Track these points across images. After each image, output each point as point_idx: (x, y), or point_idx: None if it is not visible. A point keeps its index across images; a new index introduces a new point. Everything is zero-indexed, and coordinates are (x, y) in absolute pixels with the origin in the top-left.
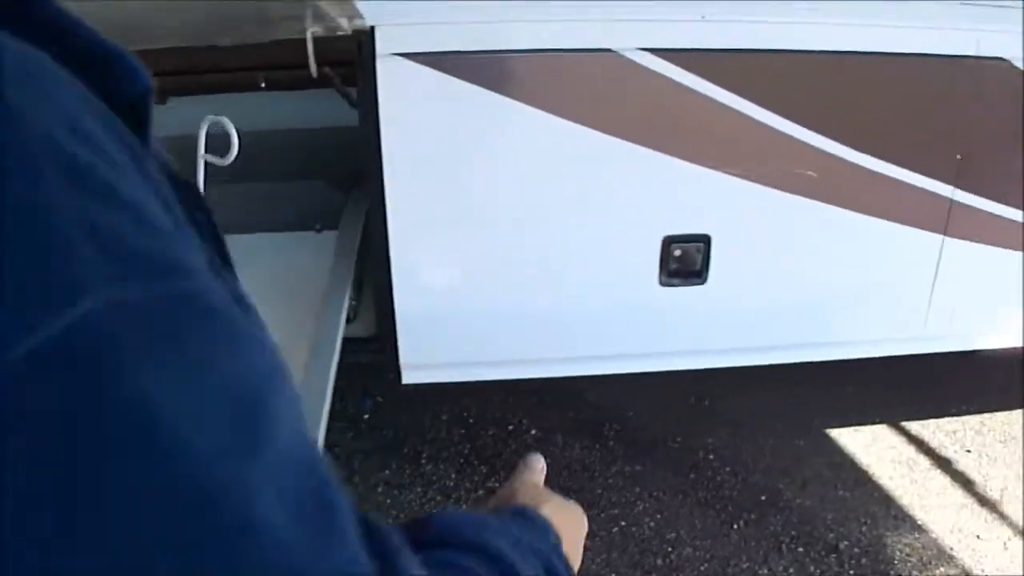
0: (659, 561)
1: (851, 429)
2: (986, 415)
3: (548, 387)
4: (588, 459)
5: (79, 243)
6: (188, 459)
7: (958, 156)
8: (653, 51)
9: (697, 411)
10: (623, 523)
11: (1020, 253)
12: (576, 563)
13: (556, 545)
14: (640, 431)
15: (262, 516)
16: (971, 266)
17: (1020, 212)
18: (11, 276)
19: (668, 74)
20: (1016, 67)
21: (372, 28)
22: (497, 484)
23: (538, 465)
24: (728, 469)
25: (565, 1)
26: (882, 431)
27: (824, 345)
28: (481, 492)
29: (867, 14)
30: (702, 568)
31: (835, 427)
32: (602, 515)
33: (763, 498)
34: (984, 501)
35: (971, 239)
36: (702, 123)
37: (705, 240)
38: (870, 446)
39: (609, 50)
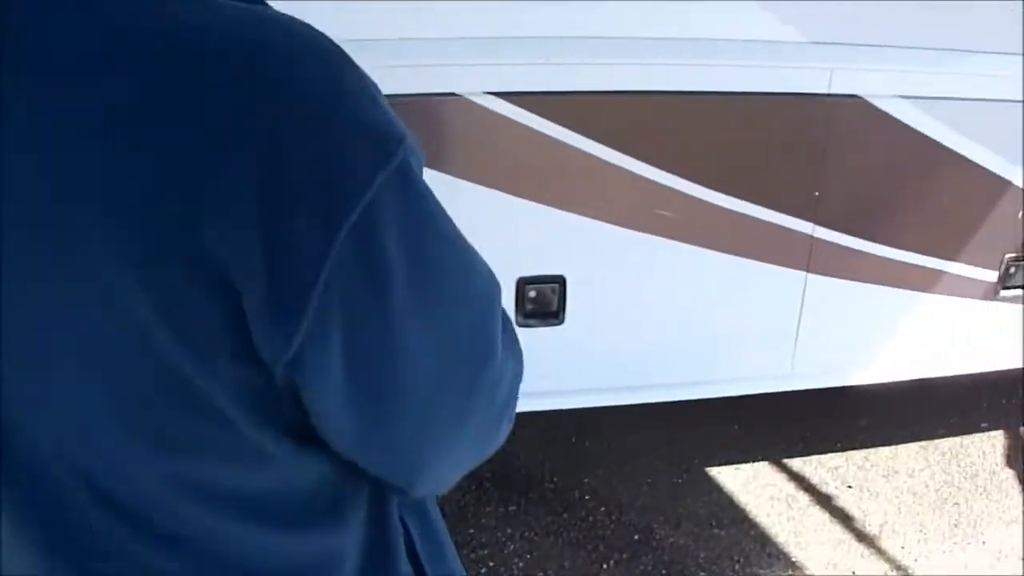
0: None
1: (732, 467)
2: (870, 450)
3: None
4: (463, 500)
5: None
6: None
7: (816, 193)
8: (499, 94)
9: (578, 451)
10: (492, 563)
11: (882, 287)
12: None
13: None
14: (518, 471)
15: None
16: (835, 302)
17: (880, 247)
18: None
19: (515, 117)
20: (870, 104)
21: None
22: None
23: None
24: (603, 509)
25: (410, 45)
26: (763, 469)
27: (692, 384)
28: None
29: (717, 54)
30: None
31: (716, 465)
32: (471, 555)
33: (636, 537)
34: (862, 536)
35: (834, 275)
36: (552, 165)
37: (560, 281)
38: (749, 484)
39: (455, 94)
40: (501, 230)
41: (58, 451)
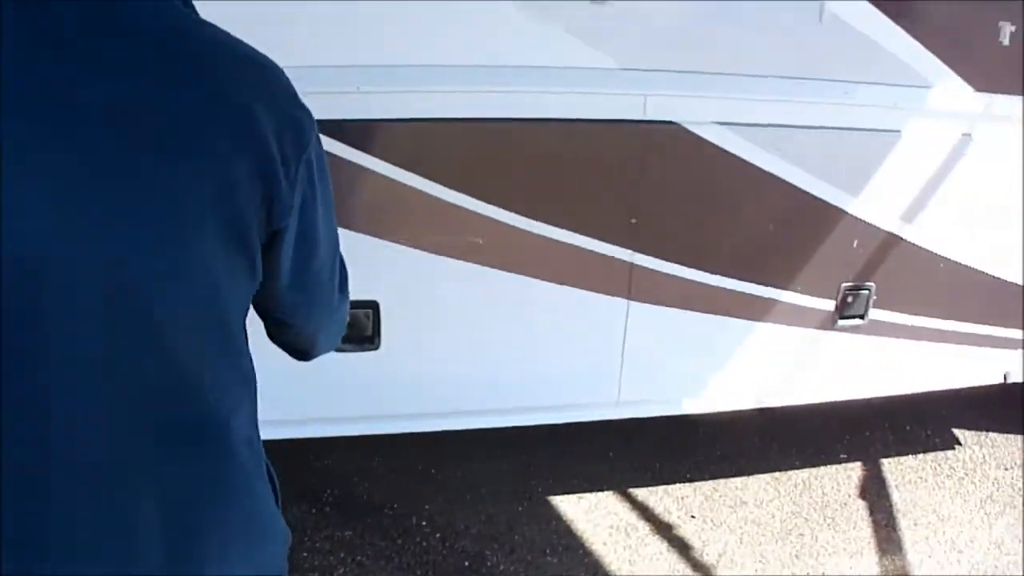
0: None
1: (576, 496)
2: (721, 480)
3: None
4: (302, 523)
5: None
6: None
7: (633, 220)
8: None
9: (423, 477)
10: None
11: (711, 316)
12: None
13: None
14: (359, 497)
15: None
16: (660, 330)
17: (705, 274)
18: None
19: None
20: (687, 130)
21: None
22: None
23: None
24: (438, 535)
25: None
26: (607, 498)
27: (516, 411)
28: None
29: (530, 81)
30: None
31: (560, 494)
32: None
33: (467, 563)
34: (699, 566)
35: (657, 303)
36: (364, 193)
37: (373, 306)
38: (591, 512)
39: None
40: None
41: None
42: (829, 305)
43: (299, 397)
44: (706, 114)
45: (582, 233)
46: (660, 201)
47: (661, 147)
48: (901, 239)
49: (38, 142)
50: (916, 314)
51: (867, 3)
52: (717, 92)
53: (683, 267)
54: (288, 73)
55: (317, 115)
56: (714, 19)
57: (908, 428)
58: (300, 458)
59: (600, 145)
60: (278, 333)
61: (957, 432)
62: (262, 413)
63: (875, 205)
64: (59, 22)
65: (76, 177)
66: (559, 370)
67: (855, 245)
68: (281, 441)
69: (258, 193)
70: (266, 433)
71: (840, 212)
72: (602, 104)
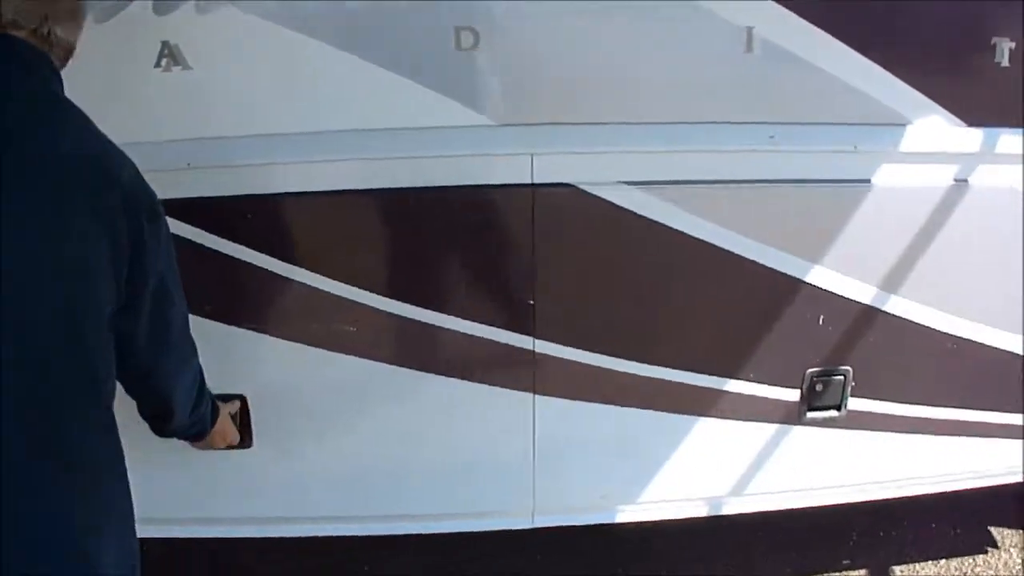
0: None
1: None
2: None
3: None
4: None
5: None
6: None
7: (531, 301)
8: None
9: None
10: None
11: (632, 410)
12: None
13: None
14: None
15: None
16: (574, 427)
17: (621, 361)
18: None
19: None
20: (586, 192)
21: None
22: None
23: None
24: None
25: None
26: None
27: (415, 517)
28: None
29: (396, 145)
30: None
31: None
32: None
33: None
34: None
35: (568, 396)
36: (218, 278)
37: (241, 400)
38: None
39: None
40: None
41: None
42: (792, 395)
43: (181, 496)
44: (608, 172)
45: (473, 319)
46: (561, 278)
47: (556, 213)
48: (881, 312)
49: None
50: (906, 402)
51: (808, 23)
52: (620, 145)
53: (597, 355)
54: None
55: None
56: (611, 58)
57: (933, 526)
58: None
59: (485, 215)
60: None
61: (993, 531)
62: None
63: (844, 272)
64: None
65: None
66: (467, 472)
67: (821, 322)
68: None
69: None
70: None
71: (797, 283)
72: (482, 167)
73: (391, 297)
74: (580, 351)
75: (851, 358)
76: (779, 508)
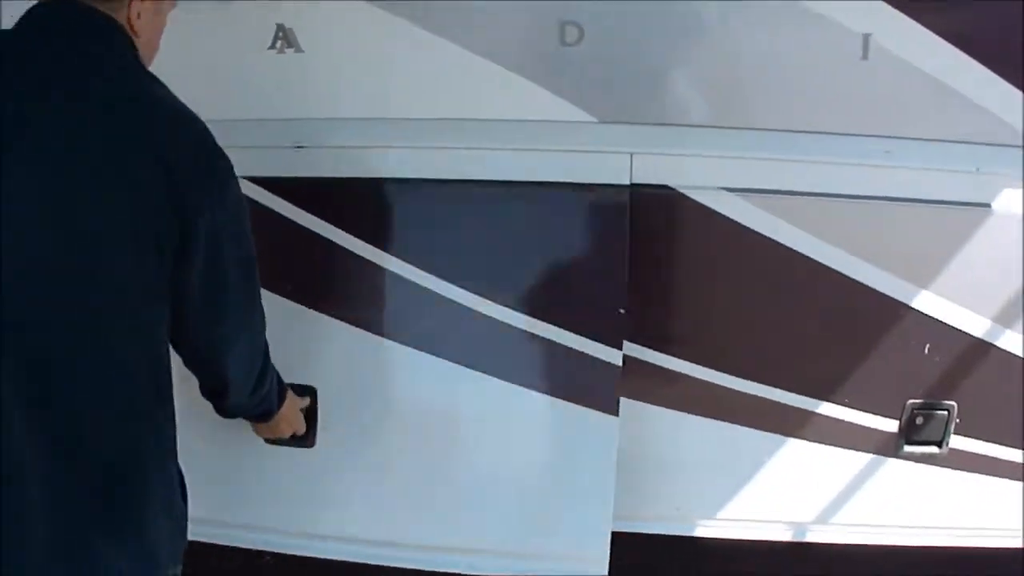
0: None
1: None
2: None
3: None
4: None
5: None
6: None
7: (622, 304)
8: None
9: None
10: None
11: (718, 422)
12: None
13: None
14: None
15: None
16: (654, 432)
17: (701, 369)
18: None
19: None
20: (685, 196)
21: None
22: None
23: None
24: None
25: None
26: None
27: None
28: None
29: (491, 137)
30: None
31: None
32: None
33: None
34: None
35: (650, 401)
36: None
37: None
38: None
39: None
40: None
41: None
42: (890, 426)
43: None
44: (709, 178)
45: (559, 326)
46: (654, 282)
47: (653, 216)
48: (993, 347)
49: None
50: (1015, 446)
51: (932, 33)
52: (724, 151)
53: (686, 363)
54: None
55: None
56: (719, 59)
57: None
58: None
59: (581, 212)
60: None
61: None
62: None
63: (955, 301)
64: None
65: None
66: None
67: (926, 351)
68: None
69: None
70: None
71: (903, 308)
72: (580, 164)
73: (478, 294)
74: (669, 358)
75: (957, 393)
76: (865, 543)
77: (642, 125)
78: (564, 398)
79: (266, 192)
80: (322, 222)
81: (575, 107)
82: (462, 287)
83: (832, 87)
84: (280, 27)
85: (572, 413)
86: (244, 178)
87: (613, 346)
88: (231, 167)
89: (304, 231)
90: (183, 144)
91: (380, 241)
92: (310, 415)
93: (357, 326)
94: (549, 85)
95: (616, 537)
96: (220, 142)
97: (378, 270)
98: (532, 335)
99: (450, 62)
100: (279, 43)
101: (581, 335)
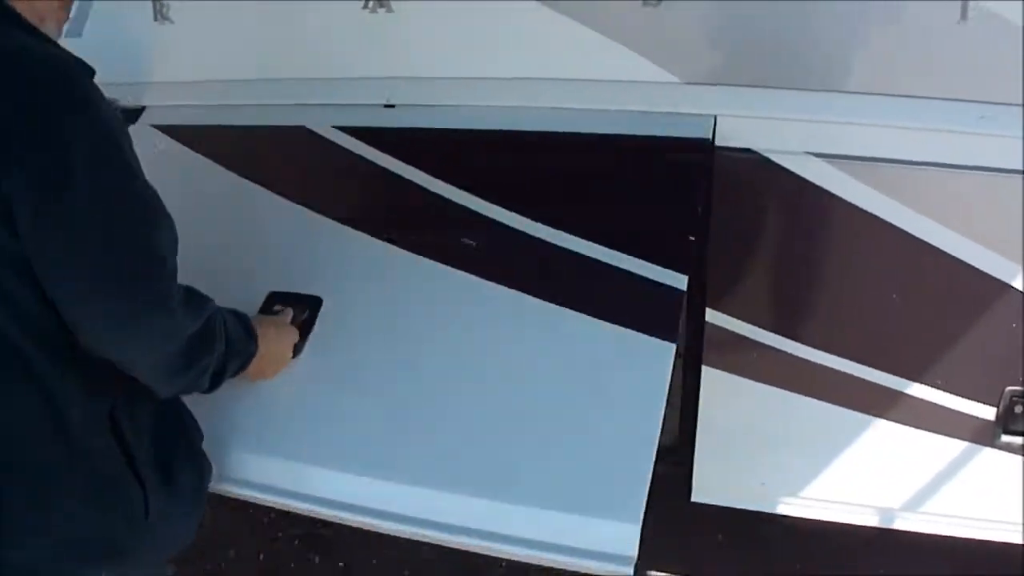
0: None
1: None
2: None
3: None
4: None
5: None
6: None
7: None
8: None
9: None
10: None
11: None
12: (269, 368)
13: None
14: None
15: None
16: (735, 403)
17: (782, 340)
18: None
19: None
20: (769, 160)
21: None
22: None
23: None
24: None
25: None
26: None
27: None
28: None
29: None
30: None
31: None
32: None
33: None
34: None
35: (731, 371)
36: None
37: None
38: None
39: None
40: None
41: None
42: (986, 412)
43: None
44: (794, 142)
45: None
46: (734, 247)
47: (735, 179)
48: None
49: None
50: None
51: None
52: (810, 114)
53: (767, 333)
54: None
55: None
56: (805, 20)
57: None
58: None
59: (662, 171)
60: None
61: None
62: None
63: None
64: None
65: None
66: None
67: None
68: None
69: None
70: None
71: (1002, 287)
72: (664, 124)
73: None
74: (749, 326)
75: None
76: (956, 534)
77: (727, 86)
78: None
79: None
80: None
81: (659, 68)
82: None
83: (926, 49)
84: None
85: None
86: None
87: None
88: None
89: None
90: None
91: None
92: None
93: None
94: (633, 45)
95: (697, 508)
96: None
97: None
98: (606, 264)
99: (539, 23)
100: (371, 3)
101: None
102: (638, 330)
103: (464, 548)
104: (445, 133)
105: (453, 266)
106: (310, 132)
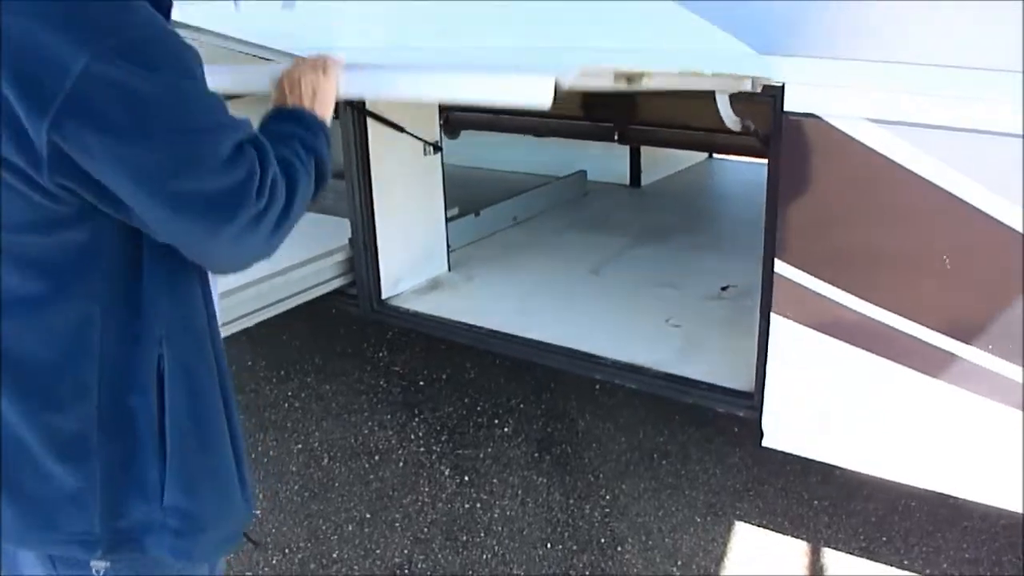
0: None
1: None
2: None
3: None
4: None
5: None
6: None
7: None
8: None
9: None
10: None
11: (856, 348)
12: (324, 105)
13: (319, 131)
14: None
15: None
16: (804, 354)
17: (848, 296)
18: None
19: None
20: (831, 125)
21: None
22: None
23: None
24: None
25: None
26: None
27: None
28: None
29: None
30: None
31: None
32: None
33: None
34: None
35: (800, 321)
36: None
37: None
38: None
39: None
40: None
41: None
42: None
43: None
44: (855, 108)
45: None
46: (803, 206)
47: (801, 142)
48: None
49: None
50: None
51: None
52: (869, 81)
53: (833, 288)
54: None
55: None
56: None
57: None
58: None
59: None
60: None
61: None
62: None
63: None
64: None
65: None
66: None
67: None
68: None
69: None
70: None
71: None
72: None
73: None
74: (813, 279)
75: None
76: (999, 505)
77: (796, 57)
78: None
79: None
80: None
81: (738, 40)
82: None
83: (978, 21)
84: None
85: None
86: None
87: None
88: None
89: None
90: None
91: None
92: None
93: None
94: (718, 22)
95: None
96: None
97: None
98: None
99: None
100: None
101: None
102: None
103: None
104: None
105: None
106: None
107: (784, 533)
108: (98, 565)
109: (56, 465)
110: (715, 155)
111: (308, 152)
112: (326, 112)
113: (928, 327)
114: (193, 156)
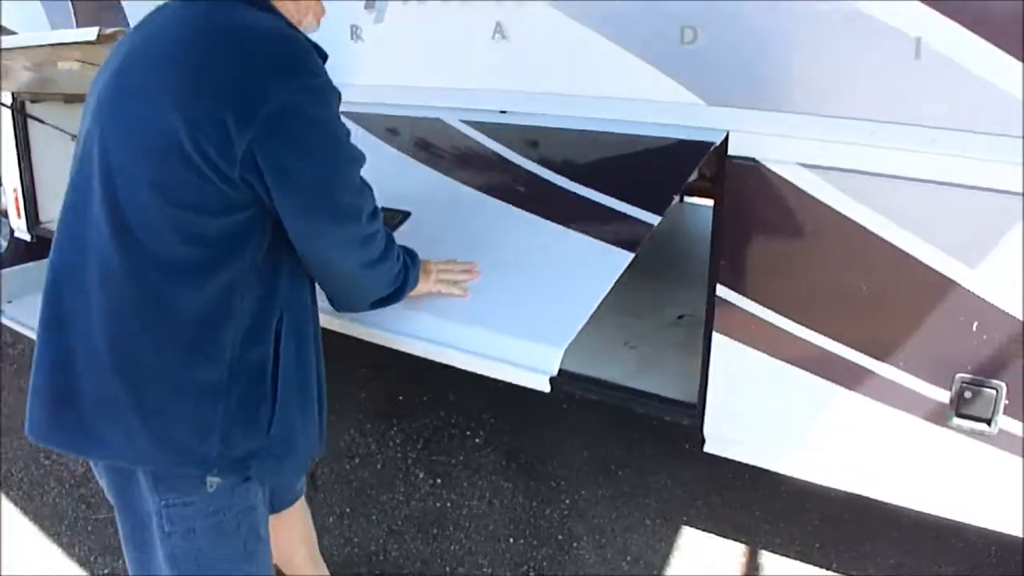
0: None
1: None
2: None
3: None
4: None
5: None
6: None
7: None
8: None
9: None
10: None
11: (791, 367)
12: (427, 286)
13: (411, 274)
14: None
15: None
16: (740, 369)
17: (775, 315)
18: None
19: None
20: (767, 168)
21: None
22: None
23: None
24: None
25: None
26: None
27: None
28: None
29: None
30: None
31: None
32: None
33: None
34: None
35: (741, 341)
36: None
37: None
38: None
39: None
40: None
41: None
42: (941, 395)
43: None
44: (788, 154)
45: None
46: (741, 236)
47: (742, 181)
48: None
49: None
50: None
51: (981, 39)
52: (801, 132)
53: (764, 308)
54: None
55: None
56: (799, 57)
57: None
58: None
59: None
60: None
61: None
62: None
63: (1002, 284)
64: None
65: None
66: None
67: (974, 328)
68: None
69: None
70: None
71: (951, 285)
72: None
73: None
74: (748, 301)
75: (1006, 373)
76: (909, 506)
77: (740, 109)
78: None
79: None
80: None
81: (690, 92)
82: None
83: (888, 82)
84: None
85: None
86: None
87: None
88: None
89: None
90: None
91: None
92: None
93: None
94: (672, 74)
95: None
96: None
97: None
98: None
99: (600, 52)
100: (496, 35)
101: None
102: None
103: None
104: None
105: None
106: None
107: (726, 537)
108: (212, 480)
109: (191, 403)
110: (686, 199)
111: (402, 266)
112: (418, 285)
113: (847, 345)
114: (343, 174)
